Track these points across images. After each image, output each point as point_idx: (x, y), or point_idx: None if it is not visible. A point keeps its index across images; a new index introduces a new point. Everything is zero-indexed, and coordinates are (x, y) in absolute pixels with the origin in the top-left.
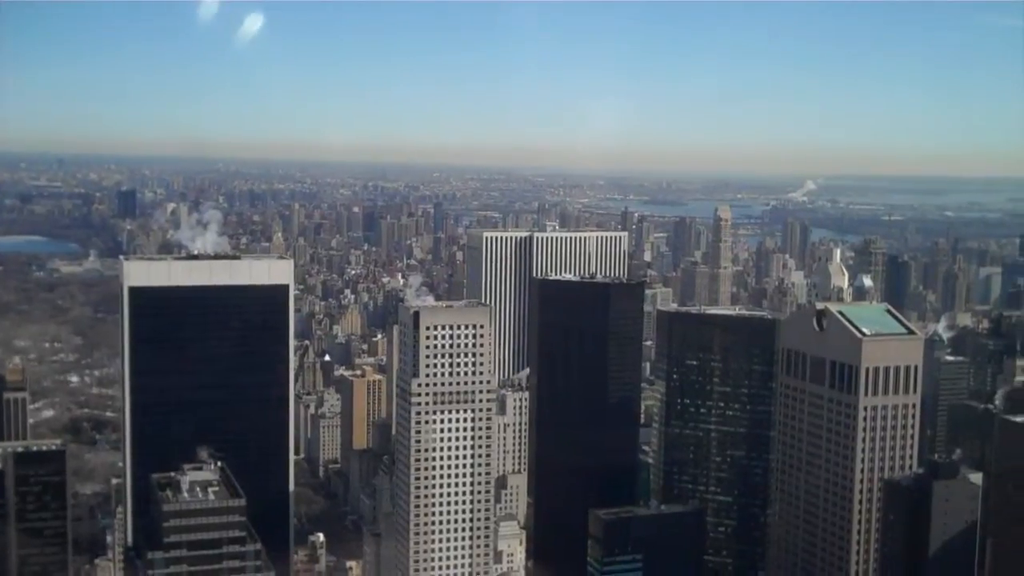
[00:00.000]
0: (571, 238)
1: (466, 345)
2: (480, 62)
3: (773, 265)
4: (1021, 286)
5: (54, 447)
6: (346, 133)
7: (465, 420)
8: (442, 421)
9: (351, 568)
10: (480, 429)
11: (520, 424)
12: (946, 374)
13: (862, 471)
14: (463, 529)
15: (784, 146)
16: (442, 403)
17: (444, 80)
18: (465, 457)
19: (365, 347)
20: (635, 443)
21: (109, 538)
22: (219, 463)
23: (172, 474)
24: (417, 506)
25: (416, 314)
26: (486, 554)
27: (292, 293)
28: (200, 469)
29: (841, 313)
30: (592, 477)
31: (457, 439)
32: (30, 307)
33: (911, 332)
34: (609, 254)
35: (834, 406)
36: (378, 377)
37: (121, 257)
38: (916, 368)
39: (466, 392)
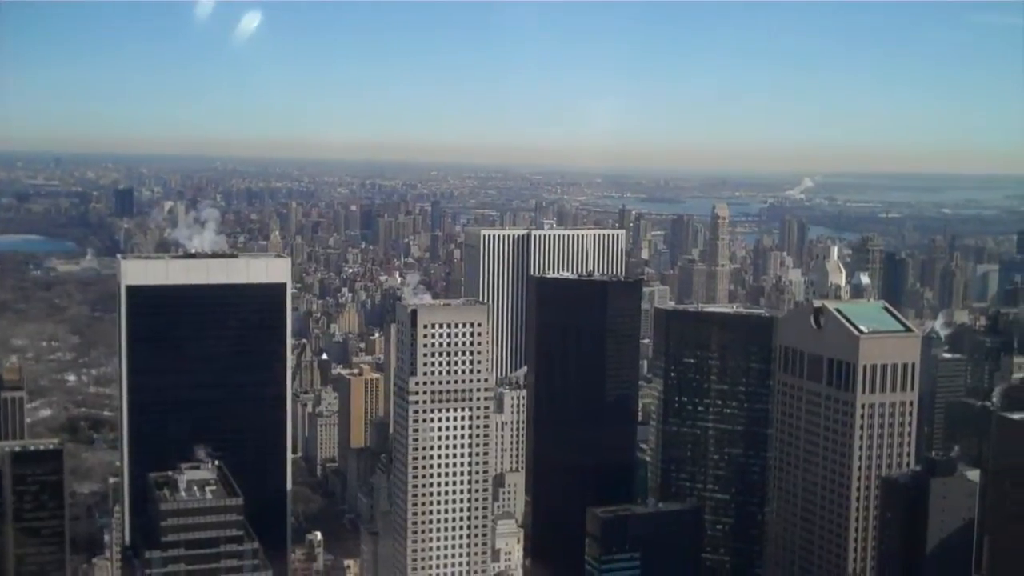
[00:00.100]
0: (569, 236)
1: (464, 343)
2: (478, 61)
3: (770, 263)
4: (1018, 283)
5: (51, 446)
6: (344, 131)
7: (463, 418)
8: (440, 419)
9: (349, 567)
10: (478, 427)
11: (518, 422)
12: (943, 371)
13: (859, 468)
14: (461, 527)
15: (782, 144)
16: (440, 401)
17: (442, 79)
18: (463, 455)
19: (363, 345)
20: (633, 441)
21: (107, 537)
22: (216, 462)
23: (170, 473)
24: (415, 504)
25: (414, 312)
26: (484, 552)
27: (289, 291)
28: (197, 468)
29: (838, 311)
30: (590, 475)
31: (455, 437)
32: (27, 306)
33: (908, 329)
34: (607, 252)
35: (831, 404)
36: (376, 375)
37: (118, 256)
38: (913, 365)
39: (464, 390)
